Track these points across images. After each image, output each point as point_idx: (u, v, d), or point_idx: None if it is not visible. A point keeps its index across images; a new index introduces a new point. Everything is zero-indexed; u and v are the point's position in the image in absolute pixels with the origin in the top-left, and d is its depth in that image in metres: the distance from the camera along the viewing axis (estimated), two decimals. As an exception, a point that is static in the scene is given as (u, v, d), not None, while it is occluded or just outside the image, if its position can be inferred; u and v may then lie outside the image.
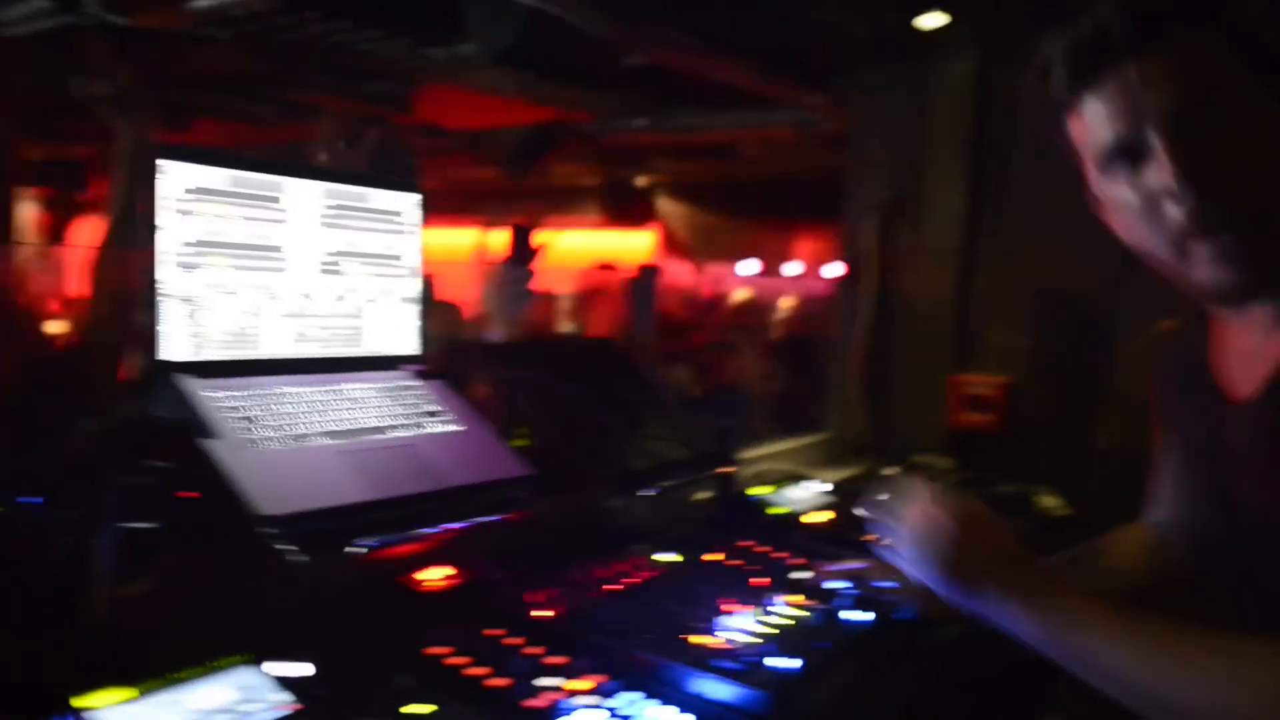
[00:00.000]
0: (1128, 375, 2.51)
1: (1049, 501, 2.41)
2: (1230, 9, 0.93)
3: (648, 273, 3.22)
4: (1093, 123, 0.97)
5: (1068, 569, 1.32)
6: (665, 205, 9.01)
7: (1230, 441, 1.03)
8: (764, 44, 2.79)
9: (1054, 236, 2.64)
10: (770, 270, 8.44)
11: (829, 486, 1.95)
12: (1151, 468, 1.37)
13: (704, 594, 1.29)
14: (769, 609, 1.25)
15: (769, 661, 1.08)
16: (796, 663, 1.08)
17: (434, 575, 1.28)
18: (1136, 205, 0.96)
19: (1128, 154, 0.95)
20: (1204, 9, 0.92)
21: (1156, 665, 0.86)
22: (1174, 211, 0.91)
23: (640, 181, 8.78)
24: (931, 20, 2.59)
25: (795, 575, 1.38)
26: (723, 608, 1.24)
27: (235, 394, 1.29)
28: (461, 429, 1.47)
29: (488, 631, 1.17)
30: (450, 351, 1.94)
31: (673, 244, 8.81)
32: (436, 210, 1.63)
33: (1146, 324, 2.43)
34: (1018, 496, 2.15)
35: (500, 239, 5.00)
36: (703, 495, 1.76)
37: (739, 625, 1.19)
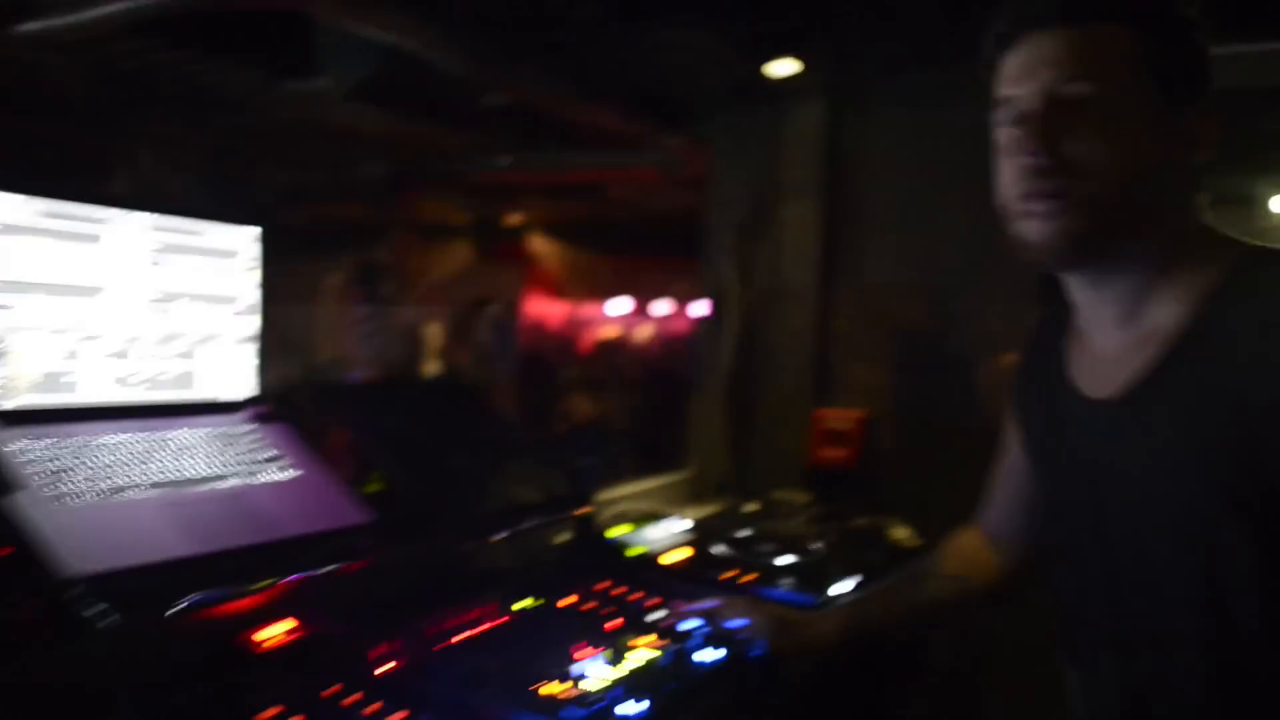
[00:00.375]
0: (975, 407, 2.62)
1: (900, 533, 2.48)
2: (1146, 12, 1.00)
3: (510, 310, 3.19)
4: (1003, 77, 1.04)
5: (907, 586, 1.41)
6: (537, 244, 8.99)
7: (1087, 441, 1.07)
8: (624, 87, 2.82)
9: (905, 273, 2.75)
10: (642, 308, 8.52)
11: (688, 524, 1.95)
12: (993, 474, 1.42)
13: (557, 640, 1.26)
14: (621, 652, 1.23)
15: (619, 709, 1.06)
16: (644, 706, 1.06)
17: (268, 632, 1.21)
18: (999, 155, 1.05)
19: (1014, 109, 1.02)
20: (1123, 7, 0.99)
21: None
22: (1025, 168, 1.00)
23: (511, 220, 8.74)
24: (782, 68, 2.67)
25: (650, 617, 1.36)
26: (575, 654, 1.21)
27: (44, 444, 1.19)
28: (300, 476, 1.40)
29: (326, 691, 1.10)
30: (300, 394, 1.86)
31: (543, 282, 8.79)
32: (295, 247, 1.56)
33: (992, 357, 2.57)
34: (871, 529, 2.20)
35: (352, 277, 4.88)
36: (560, 537, 1.73)
37: (591, 671, 1.16)
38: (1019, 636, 1.56)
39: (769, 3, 2.38)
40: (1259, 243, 1.01)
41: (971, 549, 1.44)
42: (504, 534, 1.55)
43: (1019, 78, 1.01)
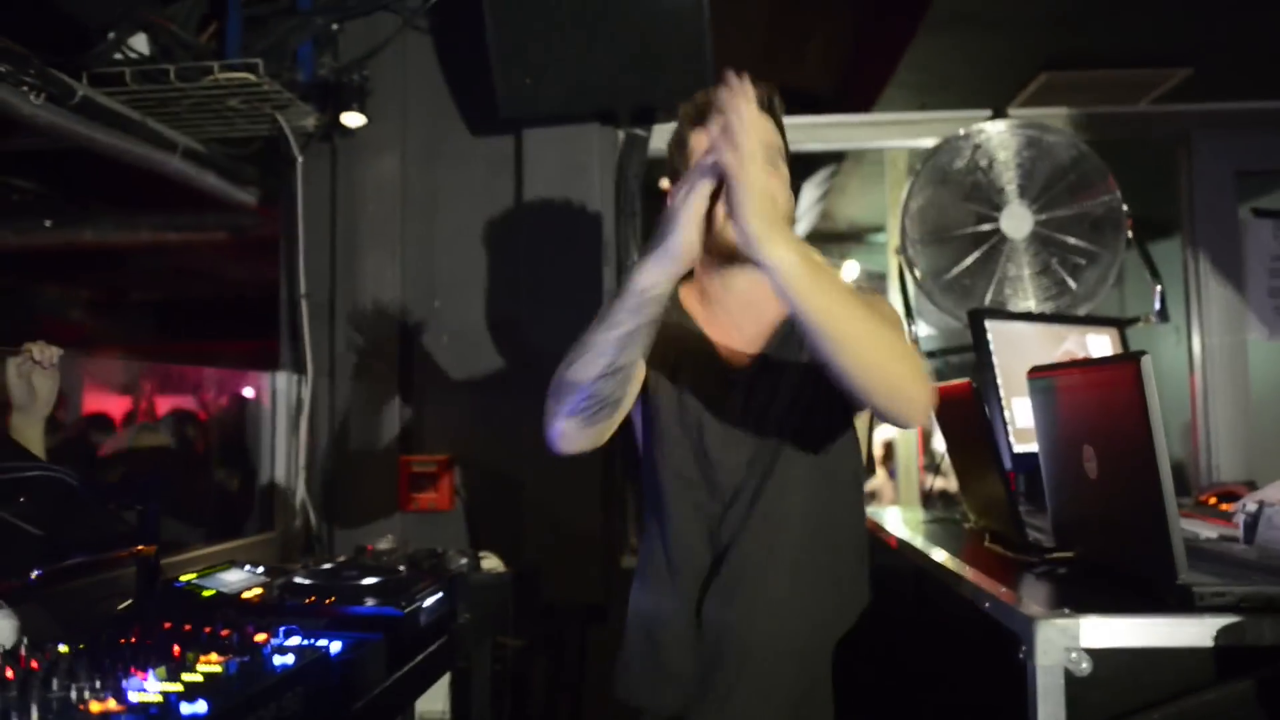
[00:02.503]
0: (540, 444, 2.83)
1: (490, 563, 2.60)
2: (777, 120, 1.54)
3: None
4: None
5: None
6: (95, 323, 8.04)
7: (728, 401, 1.50)
8: (188, 136, 2.71)
9: (479, 315, 2.92)
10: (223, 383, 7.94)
11: (261, 569, 1.88)
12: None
13: (111, 669, 1.18)
14: (184, 670, 1.18)
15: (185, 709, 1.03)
16: (202, 708, 1.04)
17: None
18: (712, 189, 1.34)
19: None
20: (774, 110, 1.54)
21: (859, 312, 1.24)
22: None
23: (51, 294, 7.74)
24: (353, 120, 2.76)
25: (222, 639, 1.32)
26: (136, 675, 1.15)
27: None
28: None
29: None
30: None
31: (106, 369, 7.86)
32: None
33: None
34: (456, 554, 2.29)
35: None
36: (121, 578, 1.60)
37: (150, 687, 1.11)
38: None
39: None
40: None
41: None
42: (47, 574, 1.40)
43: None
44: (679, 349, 1.55)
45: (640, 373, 1.41)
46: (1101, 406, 1.34)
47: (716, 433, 1.51)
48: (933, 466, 3.30)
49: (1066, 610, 1.18)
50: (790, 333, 1.52)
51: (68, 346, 1.76)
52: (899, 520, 2.34)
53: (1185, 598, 1.18)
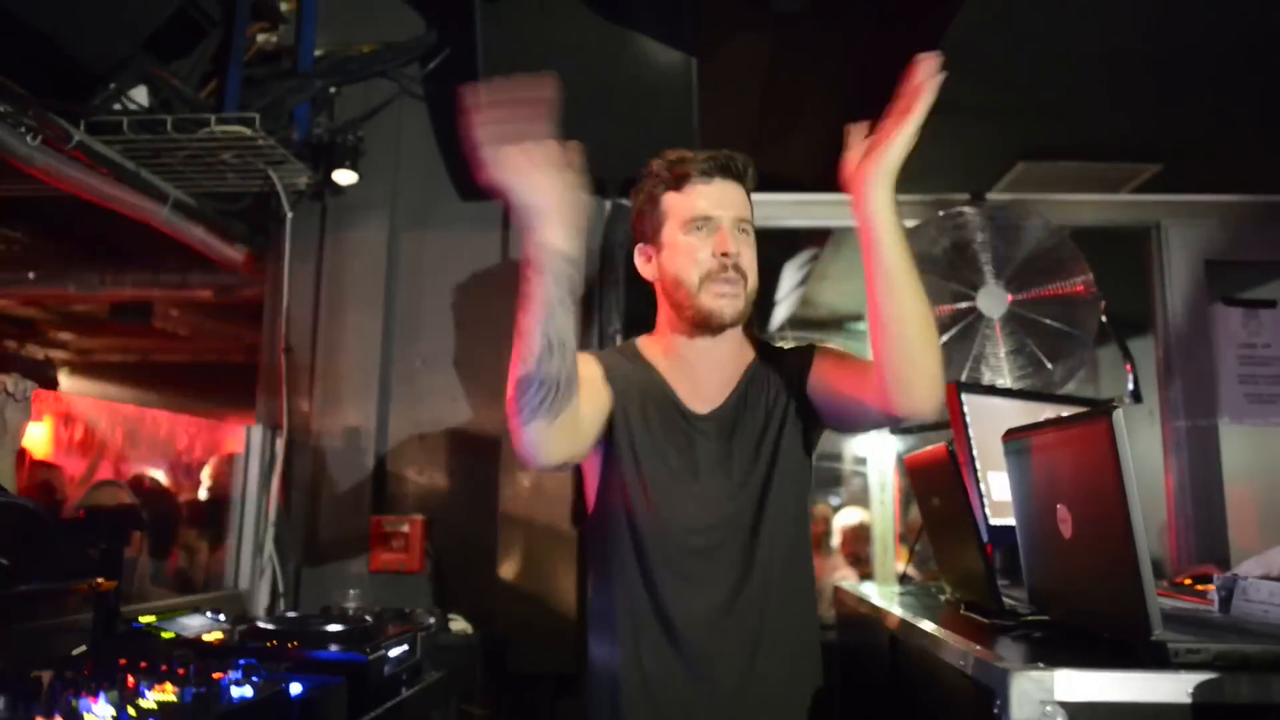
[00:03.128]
0: (520, 503, 2.81)
1: (459, 625, 2.55)
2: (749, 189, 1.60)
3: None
4: (694, 201, 1.55)
5: None
6: (72, 384, 7.95)
7: (699, 446, 1.55)
8: (179, 188, 2.74)
9: (460, 376, 2.92)
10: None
11: (223, 616, 1.84)
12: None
13: (62, 694, 1.14)
14: (137, 697, 1.14)
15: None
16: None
17: None
18: (694, 250, 1.53)
19: (715, 224, 1.53)
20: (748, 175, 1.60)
21: (920, 285, 1.35)
22: (713, 262, 1.52)
23: (38, 355, 7.67)
24: (345, 177, 2.80)
25: (179, 675, 1.28)
26: (87, 698, 1.11)
27: None
28: None
29: None
30: None
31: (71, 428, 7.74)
32: None
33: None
34: (437, 623, 2.25)
35: None
36: (79, 616, 1.55)
37: (100, 711, 1.07)
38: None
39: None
40: None
41: None
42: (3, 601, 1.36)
43: (714, 206, 1.54)
44: (643, 395, 1.57)
45: (580, 375, 1.39)
46: (1075, 464, 1.35)
47: (683, 480, 1.52)
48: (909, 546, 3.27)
49: (1040, 664, 1.17)
50: (748, 387, 1.60)
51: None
52: (874, 592, 2.32)
53: (1160, 654, 1.18)
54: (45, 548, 1.52)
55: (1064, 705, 1.13)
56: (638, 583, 1.51)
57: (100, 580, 1.48)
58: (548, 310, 1.27)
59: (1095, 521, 1.30)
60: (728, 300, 1.53)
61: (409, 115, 3.00)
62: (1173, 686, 1.14)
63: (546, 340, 1.28)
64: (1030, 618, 1.53)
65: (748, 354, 1.64)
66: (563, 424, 1.34)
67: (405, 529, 2.79)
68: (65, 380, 7.87)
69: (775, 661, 1.50)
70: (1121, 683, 1.15)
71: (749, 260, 1.55)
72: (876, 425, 1.56)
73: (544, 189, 1.24)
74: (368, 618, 1.92)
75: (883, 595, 2.25)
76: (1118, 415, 1.19)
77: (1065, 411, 2.50)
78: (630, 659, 1.49)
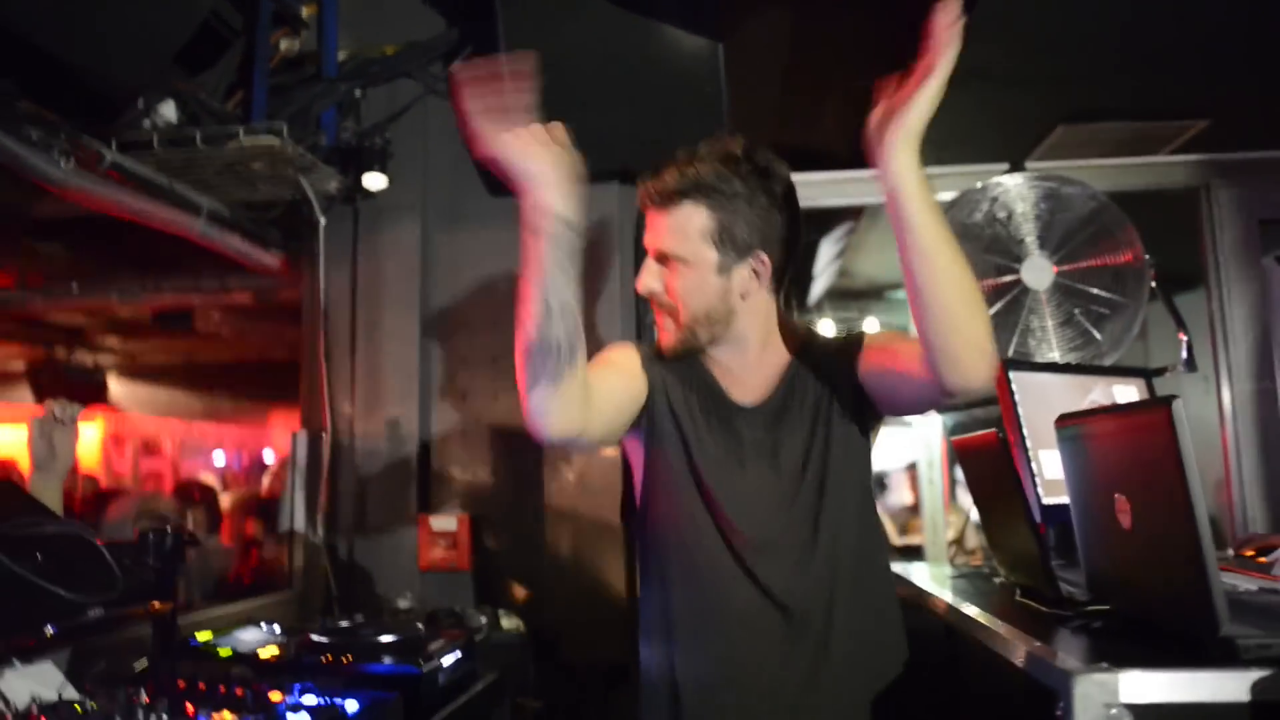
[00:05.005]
0: (566, 497, 2.81)
1: (510, 622, 2.56)
2: (711, 198, 1.48)
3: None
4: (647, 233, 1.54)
5: None
6: (120, 388, 8.11)
7: (745, 435, 1.53)
8: (212, 198, 2.76)
9: (499, 372, 2.92)
10: (244, 446, 7.96)
11: (278, 628, 1.86)
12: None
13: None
14: (200, 726, 1.16)
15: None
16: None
17: None
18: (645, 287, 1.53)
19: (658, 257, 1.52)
20: (694, 191, 1.48)
21: (956, 249, 1.28)
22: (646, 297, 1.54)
23: (87, 361, 7.82)
24: (375, 181, 2.80)
25: (237, 698, 1.30)
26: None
27: None
28: None
29: None
30: None
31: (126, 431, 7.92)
32: None
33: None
34: (473, 612, 2.26)
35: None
36: (140, 634, 1.58)
37: (162, 747, 1.08)
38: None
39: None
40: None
41: None
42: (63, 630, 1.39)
43: (646, 240, 1.52)
44: (684, 385, 1.56)
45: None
46: (1133, 454, 1.31)
47: (728, 468, 1.50)
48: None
49: (1105, 664, 1.14)
50: (794, 382, 1.57)
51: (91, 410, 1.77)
52: (926, 575, 2.29)
53: (1229, 651, 1.14)
54: (100, 573, 1.54)
55: (1130, 708, 1.11)
56: (692, 578, 1.49)
57: (156, 603, 1.50)
58: (547, 274, 1.27)
59: (1156, 513, 1.26)
60: (662, 333, 1.56)
61: (434, 114, 2.99)
62: (1241, 685, 1.11)
63: (546, 304, 1.27)
64: (1089, 608, 1.50)
65: (782, 353, 1.60)
66: (568, 392, 1.31)
67: (453, 527, 2.80)
68: (113, 384, 8.02)
69: (842, 668, 1.46)
70: (1188, 683, 1.12)
71: (678, 289, 1.51)
72: (932, 404, 1.52)
73: (537, 155, 1.25)
74: (419, 624, 1.93)
75: (935, 579, 2.22)
76: (1177, 406, 1.14)
77: (1117, 384, 2.46)
78: (686, 661, 1.48)
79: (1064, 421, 1.53)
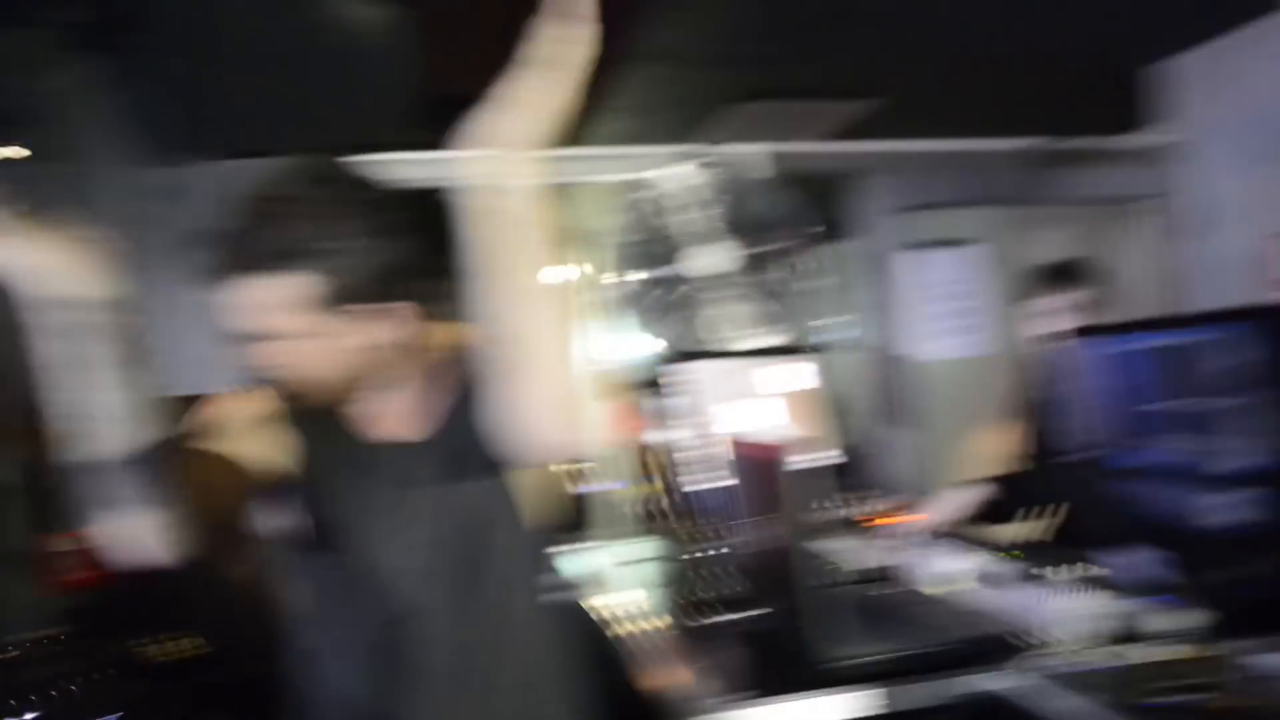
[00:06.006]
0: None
1: (187, 644, 2.38)
2: (321, 264, 1.16)
3: None
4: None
5: None
6: None
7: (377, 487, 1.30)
8: None
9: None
10: None
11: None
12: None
13: None
14: None
15: None
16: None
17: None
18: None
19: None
20: (293, 259, 1.15)
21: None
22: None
23: None
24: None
25: None
26: None
27: None
28: None
29: None
30: None
31: None
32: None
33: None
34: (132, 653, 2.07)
35: None
36: None
37: None
38: None
39: None
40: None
41: None
42: None
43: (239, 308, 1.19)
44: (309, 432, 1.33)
45: None
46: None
47: (366, 527, 1.30)
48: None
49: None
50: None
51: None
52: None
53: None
54: None
55: None
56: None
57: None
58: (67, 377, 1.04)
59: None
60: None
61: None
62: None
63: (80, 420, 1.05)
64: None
65: (443, 396, 1.36)
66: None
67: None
68: None
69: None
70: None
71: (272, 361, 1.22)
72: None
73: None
74: (70, 685, 1.70)
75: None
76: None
77: (783, 364, 2.59)
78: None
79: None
